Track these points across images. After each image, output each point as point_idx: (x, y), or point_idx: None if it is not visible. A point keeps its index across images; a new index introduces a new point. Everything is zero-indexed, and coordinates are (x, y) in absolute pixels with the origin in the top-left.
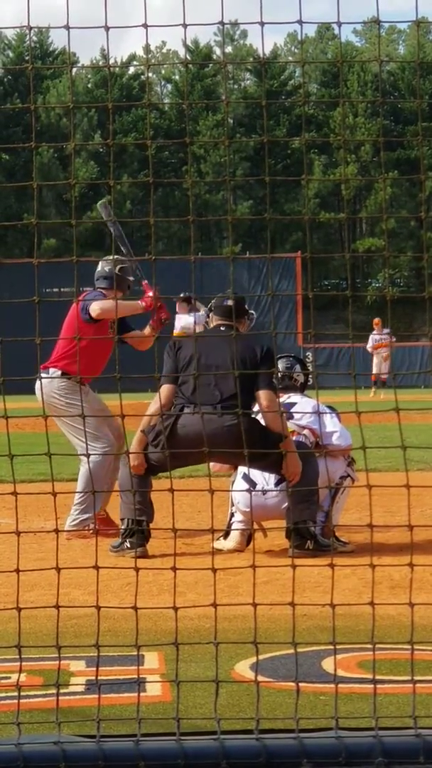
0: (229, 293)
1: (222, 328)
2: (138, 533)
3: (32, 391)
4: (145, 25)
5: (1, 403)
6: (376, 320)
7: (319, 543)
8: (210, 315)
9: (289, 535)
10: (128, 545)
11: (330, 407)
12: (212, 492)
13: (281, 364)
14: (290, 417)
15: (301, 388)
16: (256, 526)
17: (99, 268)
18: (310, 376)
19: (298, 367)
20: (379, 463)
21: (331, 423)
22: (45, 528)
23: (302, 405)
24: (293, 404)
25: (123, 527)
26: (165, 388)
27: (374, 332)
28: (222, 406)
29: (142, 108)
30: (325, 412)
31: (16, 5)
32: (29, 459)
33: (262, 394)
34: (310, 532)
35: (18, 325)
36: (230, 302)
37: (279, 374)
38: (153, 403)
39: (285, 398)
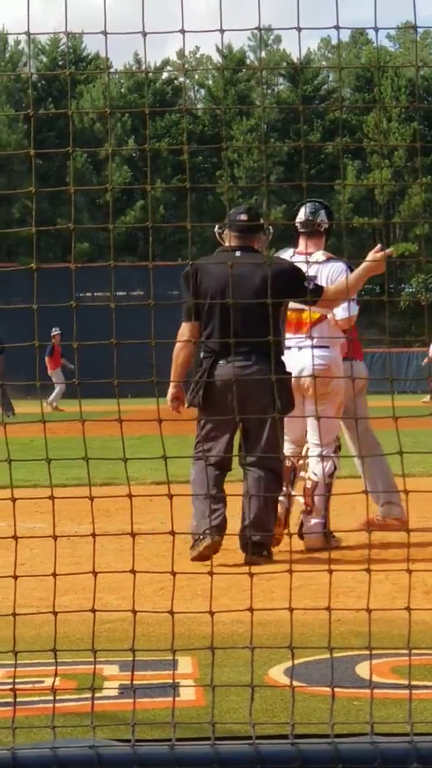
0: (242, 205)
1: (238, 254)
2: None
3: (74, 395)
4: (182, 31)
5: (37, 408)
6: None
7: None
8: (225, 232)
9: (245, 546)
10: (201, 536)
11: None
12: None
13: (305, 209)
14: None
15: (326, 234)
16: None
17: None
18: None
19: (323, 213)
20: (414, 468)
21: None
22: (78, 532)
23: (326, 271)
24: (315, 277)
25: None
26: (187, 327)
27: None
28: (255, 357)
29: (176, 113)
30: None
31: (53, 9)
32: (62, 463)
33: (323, 301)
34: (266, 540)
35: (50, 329)
36: (244, 216)
37: (303, 219)
38: (177, 350)
39: (310, 267)
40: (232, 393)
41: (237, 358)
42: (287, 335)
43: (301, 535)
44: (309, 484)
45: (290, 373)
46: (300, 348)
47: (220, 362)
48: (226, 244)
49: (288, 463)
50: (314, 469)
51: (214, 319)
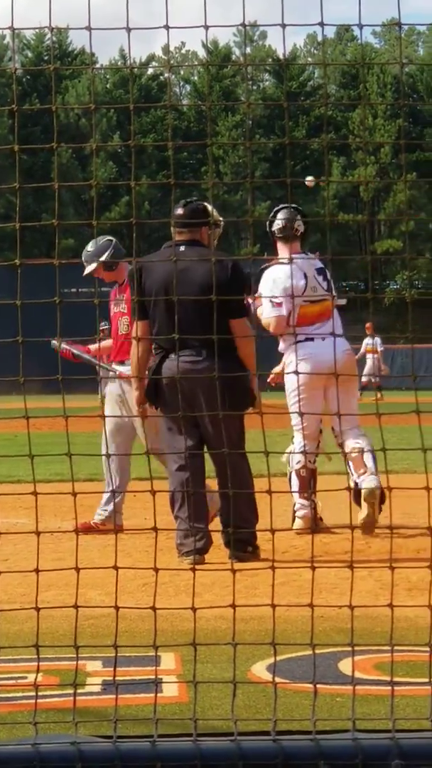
0: (182, 201)
1: (182, 248)
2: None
3: (54, 391)
4: (167, 27)
5: (21, 403)
6: (368, 325)
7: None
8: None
9: (228, 542)
10: (185, 551)
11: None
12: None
13: (282, 215)
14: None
15: (302, 239)
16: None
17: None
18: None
19: (298, 218)
20: (396, 464)
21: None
22: (61, 528)
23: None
24: (324, 268)
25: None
26: (138, 326)
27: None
28: (206, 352)
29: (161, 109)
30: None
31: (38, 4)
32: (45, 459)
33: (236, 324)
34: (248, 536)
35: (35, 325)
36: (180, 210)
37: (281, 225)
38: (132, 350)
39: (314, 264)
40: (182, 388)
41: (186, 353)
42: (310, 327)
43: (357, 500)
44: (355, 454)
45: (246, 370)
46: (324, 338)
47: (170, 357)
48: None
49: (305, 473)
50: (357, 440)
51: (159, 316)
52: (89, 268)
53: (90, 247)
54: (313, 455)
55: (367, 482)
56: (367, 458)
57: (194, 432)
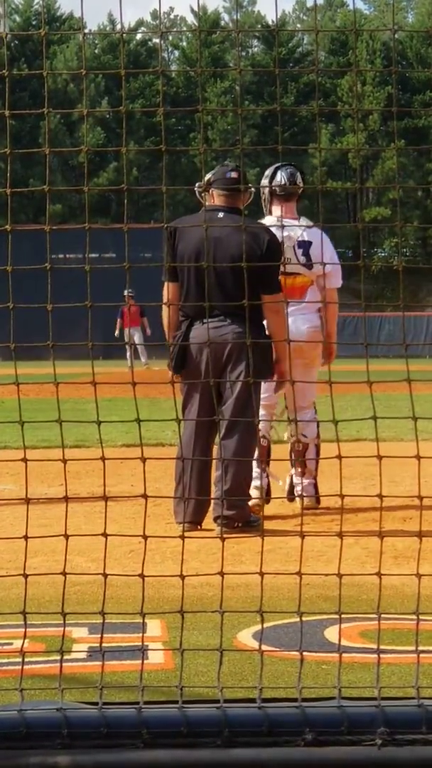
0: (229, 164)
1: (220, 215)
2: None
3: (42, 357)
4: None
5: (12, 370)
6: None
7: (249, 521)
8: (210, 190)
9: (216, 518)
10: (180, 519)
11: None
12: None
13: (284, 171)
14: (309, 262)
15: (298, 198)
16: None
17: None
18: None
19: (299, 176)
20: (383, 432)
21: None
22: (48, 494)
23: (317, 244)
24: (310, 243)
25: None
26: (168, 288)
27: None
28: (231, 320)
29: (149, 74)
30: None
31: None
32: (31, 425)
33: (268, 299)
34: (238, 514)
35: (24, 291)
36: (234, 174)
37: (283, 183)
38: (164, 314)
39: (299, 235)
40: (207, 355)
41: (212, 321)
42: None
43: (291, 497)
44: (300, 447)
45: (269, 338)
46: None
47: (195, 325)
48: (209, 203)
49: (264, 443)
50: (304, 431)
51: (189, 282)
52: None
53: None
54: (269, 425)
55: (307, 491)
56: (310, 452)
57: (211, 401)
